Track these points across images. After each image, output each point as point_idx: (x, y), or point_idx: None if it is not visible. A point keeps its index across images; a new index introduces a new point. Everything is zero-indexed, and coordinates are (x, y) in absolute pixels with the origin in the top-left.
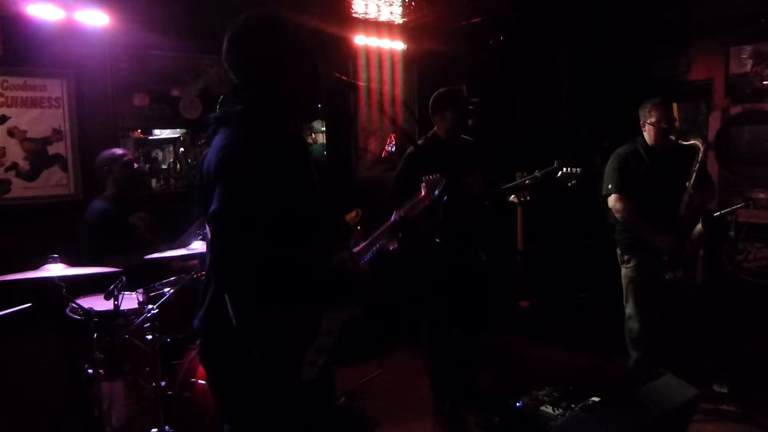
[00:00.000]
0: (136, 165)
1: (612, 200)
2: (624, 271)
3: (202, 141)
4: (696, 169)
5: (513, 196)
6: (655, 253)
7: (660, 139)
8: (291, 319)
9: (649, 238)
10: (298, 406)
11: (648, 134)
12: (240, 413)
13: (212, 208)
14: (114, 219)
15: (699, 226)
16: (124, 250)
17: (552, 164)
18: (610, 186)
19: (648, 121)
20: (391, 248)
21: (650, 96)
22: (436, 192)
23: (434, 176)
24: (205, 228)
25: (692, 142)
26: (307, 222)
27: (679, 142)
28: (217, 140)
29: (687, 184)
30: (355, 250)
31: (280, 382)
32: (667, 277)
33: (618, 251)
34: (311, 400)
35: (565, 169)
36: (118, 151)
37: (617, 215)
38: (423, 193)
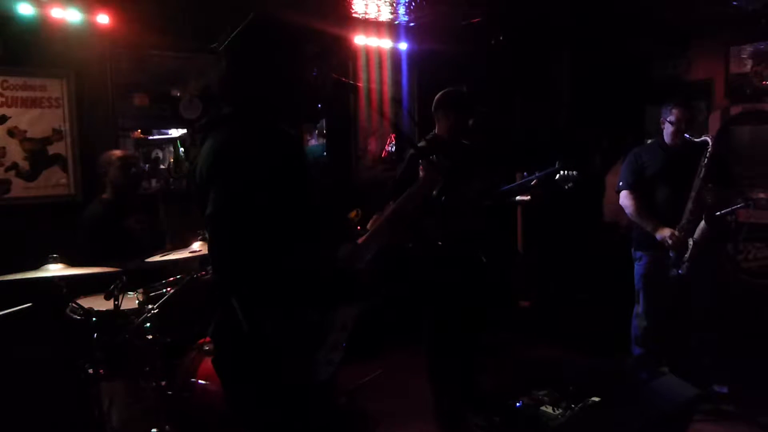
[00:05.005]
0: (133, 169)
1: (622, 196)
2: (636, 268)
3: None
4: (704, 164)
5: (519, 195)
6: (665, 250)
7: (675, 138)
8: (299, 318)
9: (652, 233)
10: (309, 407)
11: (666, 132)
12: (256, 419)
13: (207, 211)
14: (107, 223)
15: (702, 224)
16: (118, 254)
17: (553, 164)
18: (621, 183)
19: (668, 119)
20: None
21: (652, 96)
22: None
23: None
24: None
25: (703, 138)
26: (306, 220)
27: (693, 139)
28: (207, 144)
29: (696, 178)
30: (359, 241)
31: (294, 385)
32: (672, 274)
33: (632, 249)
34: (315, 401)
35: (563, 172)
36: (117, 152)
37: (627, 211)
38: (422, 175)
